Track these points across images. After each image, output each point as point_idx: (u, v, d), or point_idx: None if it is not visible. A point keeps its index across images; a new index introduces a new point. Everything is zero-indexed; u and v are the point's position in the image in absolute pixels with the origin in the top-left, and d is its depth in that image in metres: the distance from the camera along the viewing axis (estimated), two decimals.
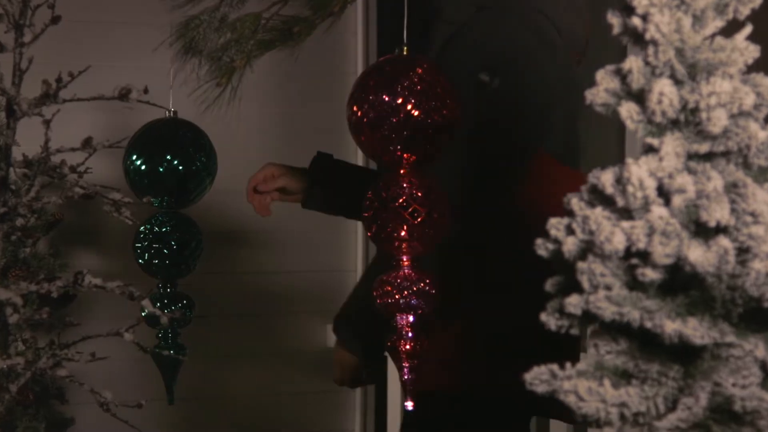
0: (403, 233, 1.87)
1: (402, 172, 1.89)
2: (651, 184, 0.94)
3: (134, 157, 2.43)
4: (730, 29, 0.99)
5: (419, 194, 1.87)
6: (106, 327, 1.89)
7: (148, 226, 2.44)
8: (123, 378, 3.32)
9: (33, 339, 3.05)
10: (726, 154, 0.97)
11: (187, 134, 2.48)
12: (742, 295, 0.93)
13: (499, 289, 2.18)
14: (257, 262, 3.80)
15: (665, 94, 0.95)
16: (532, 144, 2.19)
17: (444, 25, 2.21)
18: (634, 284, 0.95)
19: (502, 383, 2.13)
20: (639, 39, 0.97)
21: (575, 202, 0.96)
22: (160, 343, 2.44)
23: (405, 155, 1.88)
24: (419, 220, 1.86)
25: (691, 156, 0.97)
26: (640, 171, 0.94)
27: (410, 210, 1.86)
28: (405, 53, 1.91)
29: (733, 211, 0.94)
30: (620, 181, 0.94)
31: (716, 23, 0.98)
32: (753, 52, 0.97)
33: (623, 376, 0.95)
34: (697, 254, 0.92)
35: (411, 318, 1.93)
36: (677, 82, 0.96)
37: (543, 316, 0.97)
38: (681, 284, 0.94)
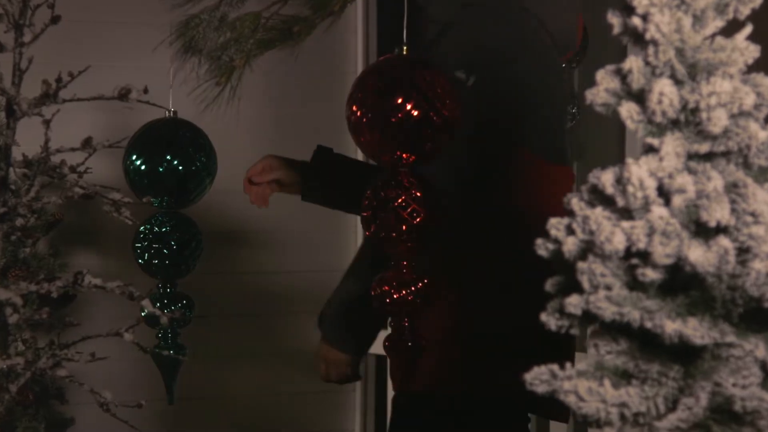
0: (401, 233, 1.87)
1: (401, 171, 1.89)
2: (651, 184, 0.94)
3: (134, 157, 2.43)
4: (730, 29, 0.99)
5: (418, 194, 1.87)
6: (106, 327, 1.89)
7: (148, 226, 2.44)
8: (123, 378, 3.32)
9: (33, 339, 3.05)
10: (726, 154, 0.97)
11: (186, 134, 2.47)
12: (743, 295, 0.93)
13: (492, 288, 2.18)
14: (257, 262, 3.80)
15: (665, 94, 0.95)
16: (513, 141, 2.19)
17: (430, 24, 2.21)
18: (635, 284, 0.95)
19: (500, 383, 2.13)
20: (639, 39, 0.97)
21: (575, 202, 0.96)
22: (160, 343, 2.43)
23: (404, 155, 1.88)
24: (418, 220, 1.86)
25: (692, 156, 0.97)
26: (640, 171, 0.94)
27: (409, 210, 1.86)
28: (405, 53, 1.91)
29: (733, 211, 0.94)
30: (620, 181, 0.94)
31: (716, 23, 0.98)
32: (753, 52, 0.97)
33: (623, 376, 0.95)
34: (698, 254, 0.92)
35: (408, 317, 1.93)
36: (677, 82, 0.96)
37: (543, 316, 0.97)
38: (681, 284, 0.94)
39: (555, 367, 0.95)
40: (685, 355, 0.94)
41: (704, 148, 0.96)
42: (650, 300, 0.94)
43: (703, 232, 0.94)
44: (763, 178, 0.98)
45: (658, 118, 0.96)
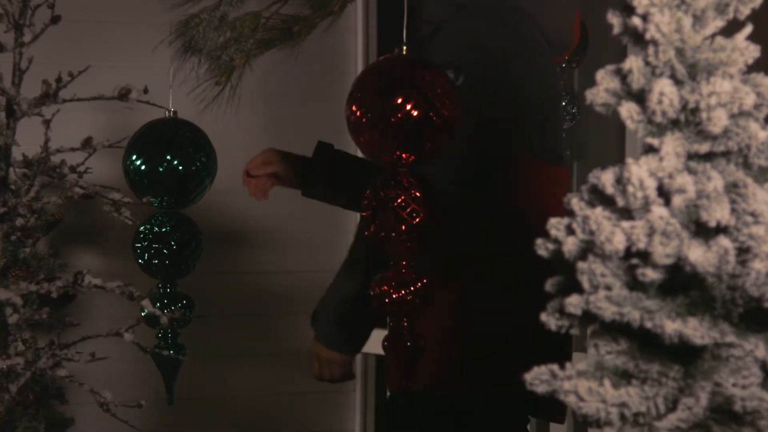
0: (401, 233, 1.87)
1: (401, 171, 1.89)
2: (651, 184, 0.94)
3: (134, 157, 2.43)
4: (730, 29, 0.99)
5: (418, 194, 1.87)
6: (106, 327, 1.89)
7: (148, 226, 2.44)
8: (123, 378, 3.32)
9: (33, 339, 3.05)
10: (726, 154, 0.97)
11: (186, 134, 2.48)
12: (743, 295, 0.93)
13: (492, 288, 2.18)
14: (257, 262, 3.79)
15: (665, 94, 0.95)
16: (506, 142, 2.19)
17: (423, 24, 2.21)
18: (635, 284, 0.95)
19: (499, 383, 2.13)
20: (639, 39, 0.97)
21: (575, 202, 0.96)
22: (160, 343, 2.44)
23: (404, 155, 1.88)
24: (418, 219, 1.86)
25: (692, 156, 0.97)
26: (640, 171, 0.94)
27: (409, 210, 1.86)
28: (405, 53, 1.91)
29: (733, 211, 0.94)
30: (620, 181, 0.94)
31: (716, 23, 0.98)
32: (753, 52, 0.97)
33: (623, 377, 0.95)
34: (698, 254, 0.92)
35: (407, 317, 1.93)
36: (677, 82, 0.96)
37: (543, 316, 0.97)
38: (681, 284, 0.94)
39: (555, 367, 0.95)
40: (685, 355, 0.94)
41: (704, 148, 0.96)
42: (650, 300, 0.94)
43: (703, 232, 0.94)
44: (763, 178, 0.98)
45: (658, 118, 0.96)
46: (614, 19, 0.98)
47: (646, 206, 0.93)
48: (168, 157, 2.43)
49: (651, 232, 0.93)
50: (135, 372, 3.37)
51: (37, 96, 1.83)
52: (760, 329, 0.95)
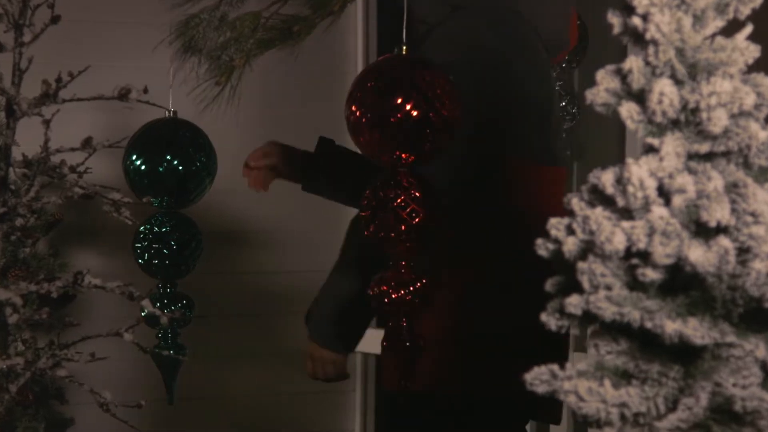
0: (401, 233, 1.87)
1: (401, 171, 1.89)
2: (651, 184, 0.93)
3: (134, 157, 2.43)
4: (730, 29, 0.99)
5: (417, 194, 1.87)
6: (106, 327, 1.89)
7: (148, 226, 2.44)
8: (123, 378, 3.32)
9: (33, 339, 3.05)
10: (726, 154, 0.97)
11: (186, 134, 2.47)
12: (743, 295, 0.93)
13: (492, 288, 2.18)
14: (257, 262, 3.79)
15: (665, 94, 0.95)
16: (500, 143, 2.18)
17: (419, 25, 2.21)
18: (635, 284, 0.94)
19: (498, 383, 2.13)
20: (639, 39, 0.97)
21: (575, 202, 0.96)
22: (160, 343, 2.44)
23: (403, 155, 1.88)
24: (417, 220, 1.86)
25: (692, 156, 0.97)
26: (640, 171, 0.93)
27: (408, 210, 1.86)
28: (404, 53, 1.91)
29: (733, 211, 0.94)
30: (620, 181, 0.94)
31: (717, 23, 0.98)
32: (753, 52, 0.97)
33: (623, 377, 0.95)
34: (698, 254, 0.92)
35: (407, 318, 1.93)
36: (677, 82, 0.96)
37: (543, 316, 0.97)
38: (681, 284, 0.94)
39: (555, 367, 0.95)
40: (686, 355, 0.94)
41: (704, 148, 0.96)
42: (650, 300, 0.94)
43: (704, 232, 0.94)
44: (763, 178, 0.98)
45: (659, 118, 0.96)
46: (614, 19, 0.98)
47: (646, 206, 0.93)
48: (168, 157, 2.43)
49: (651, 232, 0.93)
50: (135, 372, 3.37)
51: (37, 96, 1.83)
52: (761, 329, 0.95)
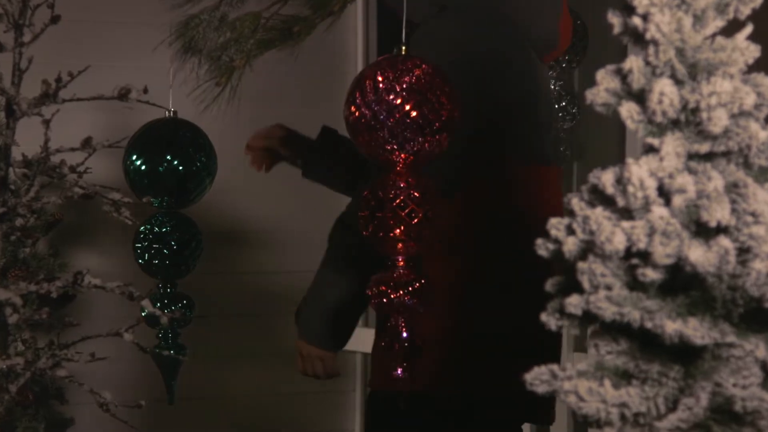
0: (400, 233, 1.86)
1: (399, 172, 1.88)
2: (651, 184, 0.93)
3: (134, 157, 2.43)
4: (730, 29, 0.99)
5: (416, 194, 1.86)
6: (106, 327, 1.89)
7: (148, 226, 2.44)
8: (123, 378, 3.32)
9: (33, 339, 3.05)
10: (726, 154, 0.97)
11: (186, 134, 2.47)
12: (743, 296, 0.93)
13: (492, 288, 2.18)
14: (257, 262, 3.79)
15: (666, 93, 0.95)
16: (494, 144, 2.18)
17: (407, 25, 2.21)
18: (635, 284, 0.94)
19: (499, 384, 2.13)
20: (639, 39, 0.97)
21: (576, 202, 0.96)
22: (160, 343, 2.43)
23: (402, 155, 1.88)
24: (416, 220, 1.86)
25: (692, 156, 0.96)
26: (640, 171, 0.93)
27: (407, 210, 1.86)
28: (403, 53, 1.91)
29: (733, 211, 0.94)
30: (621, 181, 0.94)
31: (717, 23, 0.98)
32: (753, 51, 0.97)
33: (624, 377, 0.95)
34: (698, 254, 0.92)
35: (405, 318, 1.93)
36: (678, 82, 0.96)
37: (543, 316, 0.97)
38: (681, 284, 0.94)
39: (555, 367, 0.95)
40: (686, 355, 0.94)
41: (704, 148, 0.96)
42: (650, 300, 0.94)
43: (704, 232, 0.94)
44: (763, 178, 0.98)
45: (659, 118, 0.96)
46: (614, 19, 0.98)
47: (646, 206, 0.93)
48: (168, 157, 2.43)
49: (651, 232, 0.93)
50: (135, 372, 3.37)
51: (37, 96, 1.83)
52: (761, 329, 0.94)
